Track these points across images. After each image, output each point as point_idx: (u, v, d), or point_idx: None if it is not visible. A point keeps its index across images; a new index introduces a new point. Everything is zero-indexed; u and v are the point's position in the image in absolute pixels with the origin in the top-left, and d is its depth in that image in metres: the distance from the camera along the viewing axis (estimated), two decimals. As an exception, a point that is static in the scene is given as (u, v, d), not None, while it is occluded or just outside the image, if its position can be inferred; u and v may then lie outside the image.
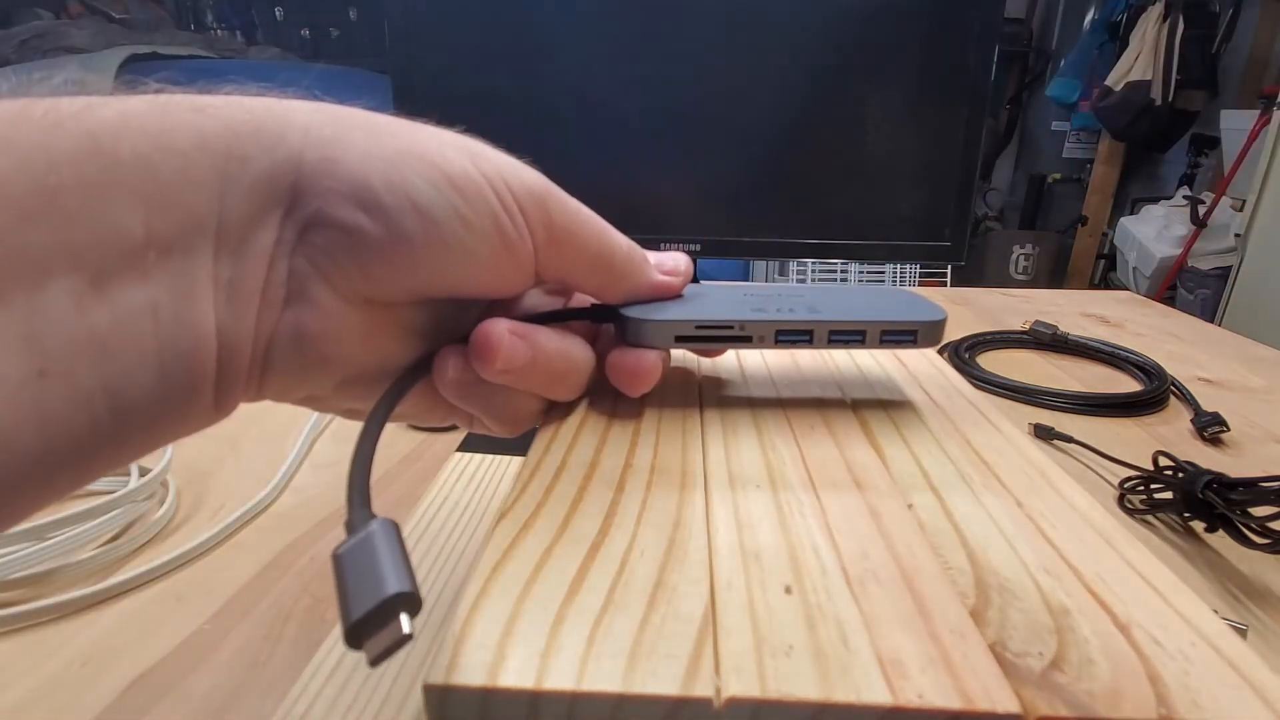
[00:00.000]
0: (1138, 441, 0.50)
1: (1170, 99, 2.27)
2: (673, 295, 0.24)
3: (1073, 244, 2.77)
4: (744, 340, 0.23)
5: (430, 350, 0.22)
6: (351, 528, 0.15)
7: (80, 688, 0.28)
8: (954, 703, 0.12)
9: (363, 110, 0.19)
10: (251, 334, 0.17)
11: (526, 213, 0.19)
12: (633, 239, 0.23)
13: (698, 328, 0.23)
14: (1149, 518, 0.41)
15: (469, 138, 0.20)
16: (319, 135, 0.17)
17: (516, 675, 0.12)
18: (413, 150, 0.18)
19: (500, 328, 0.20)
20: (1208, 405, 0.54)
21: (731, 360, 0.29)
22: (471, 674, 0.13)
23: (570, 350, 0.23)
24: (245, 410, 0.19)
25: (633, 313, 0.23)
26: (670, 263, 0.24)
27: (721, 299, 0.25)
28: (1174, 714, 0.12)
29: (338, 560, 0.14)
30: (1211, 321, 0.90)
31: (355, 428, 0.20)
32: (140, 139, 0.15)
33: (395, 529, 0.15)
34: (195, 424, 0.17)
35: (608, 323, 0.24)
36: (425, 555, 0.35)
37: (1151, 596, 0.15)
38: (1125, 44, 2.37)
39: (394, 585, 0.13)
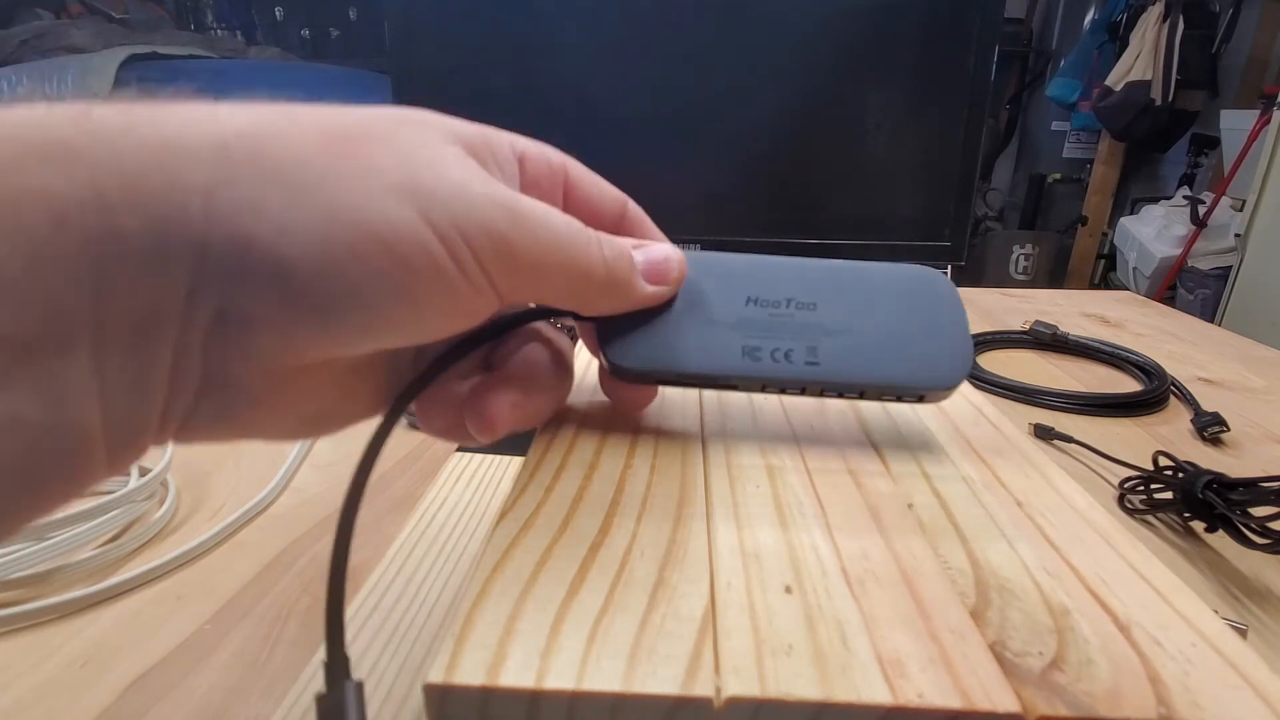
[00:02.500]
0: (1138, 441, 0.50)
1: (1170, 99, 2.27)
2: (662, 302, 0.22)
3: (1073, 244, 2.77)
4: (730, 388, 0.22)
5: (387, 385, 0.20)
6: (328, 681, 0.16)
7: (80, 688, 0.28)
8: (954, 702, 0.12)
9: (288, 127, 0.15)
10: (157, 421, 0.15)
11: (484, 262, 0.16)
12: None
13: (679, 376, 0.21)
14: (1149, 518, 0.41)
15: (429, 137, 0.17)
16: (226, 202, 0.14)
17: (516, 675, 0.12)
18: (344, 211, 0.15)
19: (503, 405, 0.20)
20: (1208, 405, 0.54)
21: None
22: (471, 673, 0.12)
23: (560, 385, 0.22)
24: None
25: (613, 352, 0.21)
26: (660, 268, 0.21)
27: (714, 324, 0.21)
28: (1174, 714, 0.12)
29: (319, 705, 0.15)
30: (1211, 321, 0.90)
31: (357, 426, 0.20)
32: None
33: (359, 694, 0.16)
34: (77, 490, 0.15)
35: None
36: (425, 555, 0.35)
37: (1152, 597, 0.15)
38: (1125, 44, 2.37)
39: None
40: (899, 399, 0.22)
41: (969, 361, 0.22)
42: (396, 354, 0.20)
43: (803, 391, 0.22)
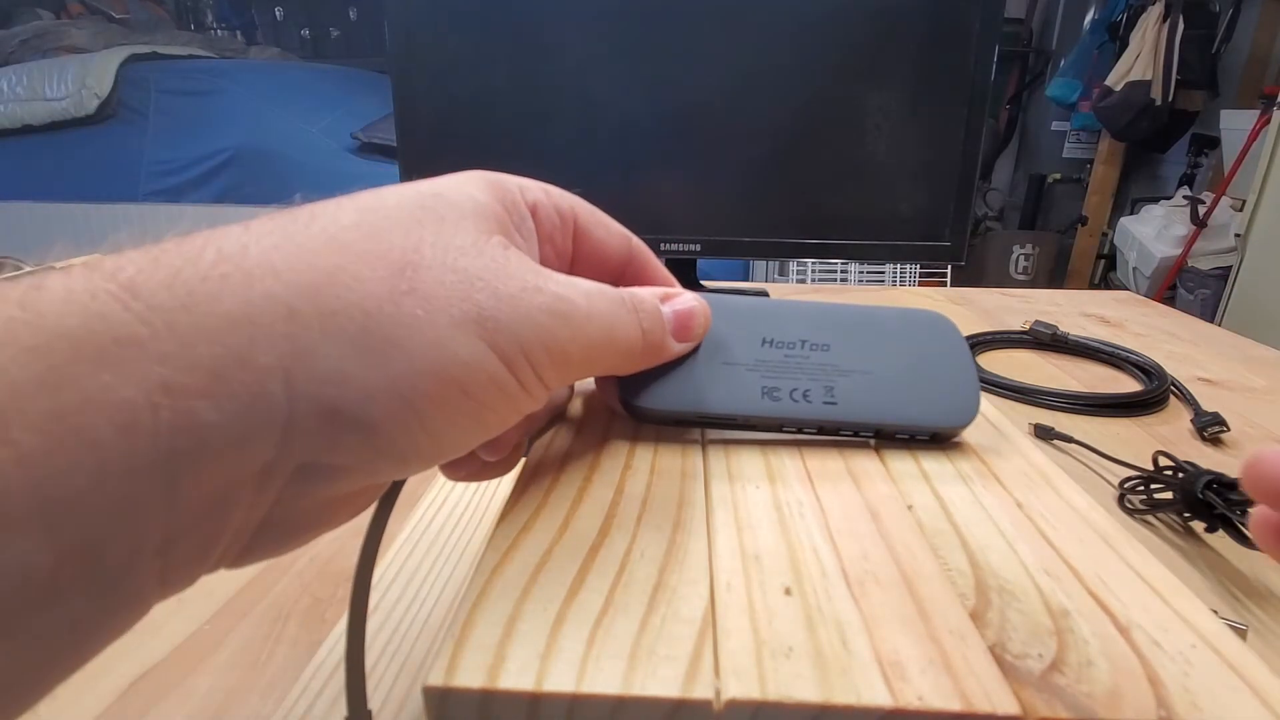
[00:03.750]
0: (1138, 441, 0.50)
1: (1170, 99, 2.27)
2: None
3: (1073, 244, 2.77)
4: (749, 429, 0.22)
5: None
6: None
7: (80, 688, 0.28)
8: (954, 704, 0.12)
9: (343, 268, 0.15)
10: (213, 564, 0.15)
11: (542, 371, 0.17)
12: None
13: (700, 418, 0.21)
14: (1149, 518, 0.41)
15: (466, 237, 0.17)
16: (306, 378, 0.13)
17: (516, 677, 0.12)
18: (420, 363, 0.15)
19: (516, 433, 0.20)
20: (1208, 405, 0.54)
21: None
22: (471, 675, 0.12)
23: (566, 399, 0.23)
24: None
25: (633, 397, 0.21)
26: (688, 324, 0.21)
27: (733, 366, 0.21)
28: (1174, 715, 0.12)
29: None
30: (1211, 321, 0.90)
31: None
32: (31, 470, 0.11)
33: None
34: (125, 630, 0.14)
35: None
36: (425, 555, 0.35)
37: (1151, 598, 0.15)
38: (1125, 44, 2.37)
39: None
40: (912, 438, 0.22)
41: (977, 401, 0.22)
42: None
43: (819, 431, 0.22)
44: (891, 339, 0.22)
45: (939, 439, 0.22)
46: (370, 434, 0.14)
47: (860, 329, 0.22)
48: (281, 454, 0.14)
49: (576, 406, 0.24)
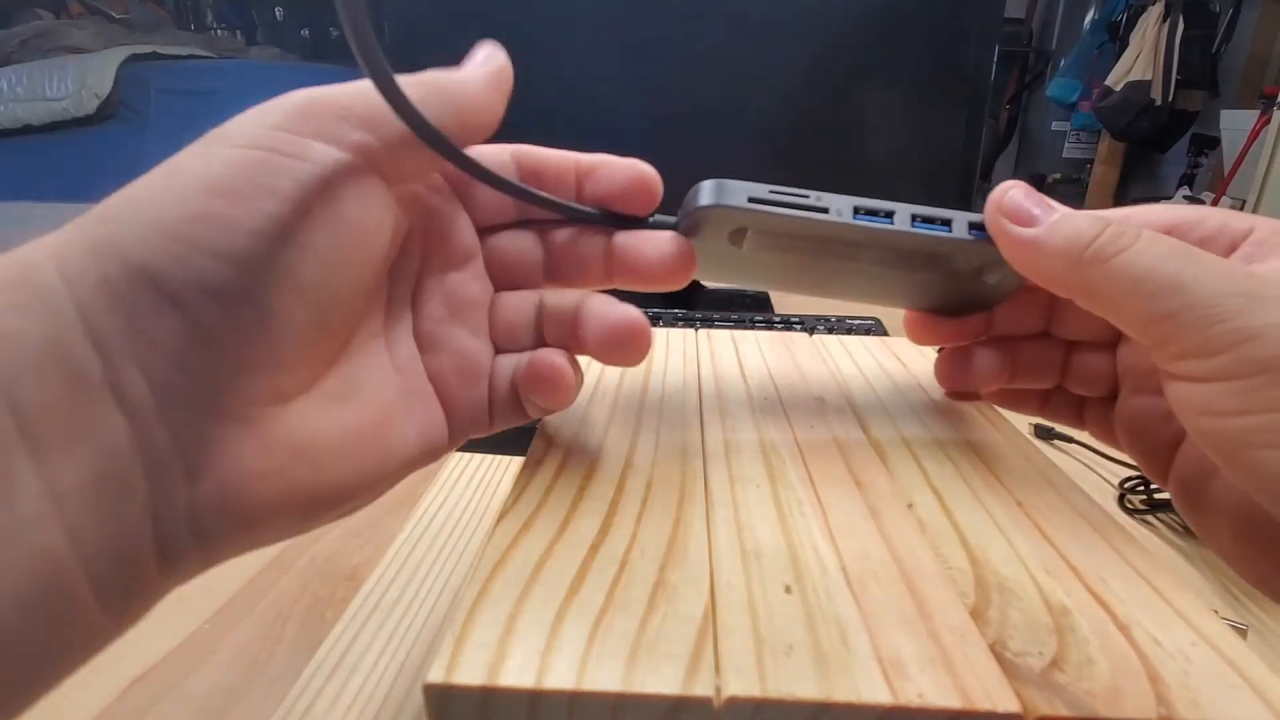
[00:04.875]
0: (1138, 441, 0.50)
1: (1170, 99, 2.27)
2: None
3: (1073, 244, 2.77)
4: (820, 211, 0.20)
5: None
6: None
7: (80, 688, 0.28)
8: (954, 702, 0.12)
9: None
10: (150, 530, 0.14)
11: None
12: None
13: (772, 191, 0.20)
14: (1149, 518, 0.41)
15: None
16: (75, 254, 0.13)
17: (516, 674, 0.12)
18: (191, 204, 0.14)
19: (561, 363, 0.19)
20: (1208, 405, 0.54)
21: (731, 361, 0.29)
22: (471, 673, 0.12)
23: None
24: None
25: (711, 193, 0.20)
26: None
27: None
28: (1174, 713, 0.12)
29: None
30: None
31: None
32: None
33: None
34: (81, 657, 0.13)
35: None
36: (425, 555, 0.35)
37: (1151, 596, 0.15)
38: (1125, 44, 2.37)
39: None
40: (984, 236, 0.21)
41: None
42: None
43: (891, 219, 0.20)
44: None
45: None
46: (151, 275, 0.13)
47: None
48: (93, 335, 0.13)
49: (577, 407, 0.24)
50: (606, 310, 0.19)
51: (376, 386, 0.18)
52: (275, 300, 0.15)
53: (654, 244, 0.20)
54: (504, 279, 0.21)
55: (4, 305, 0.13)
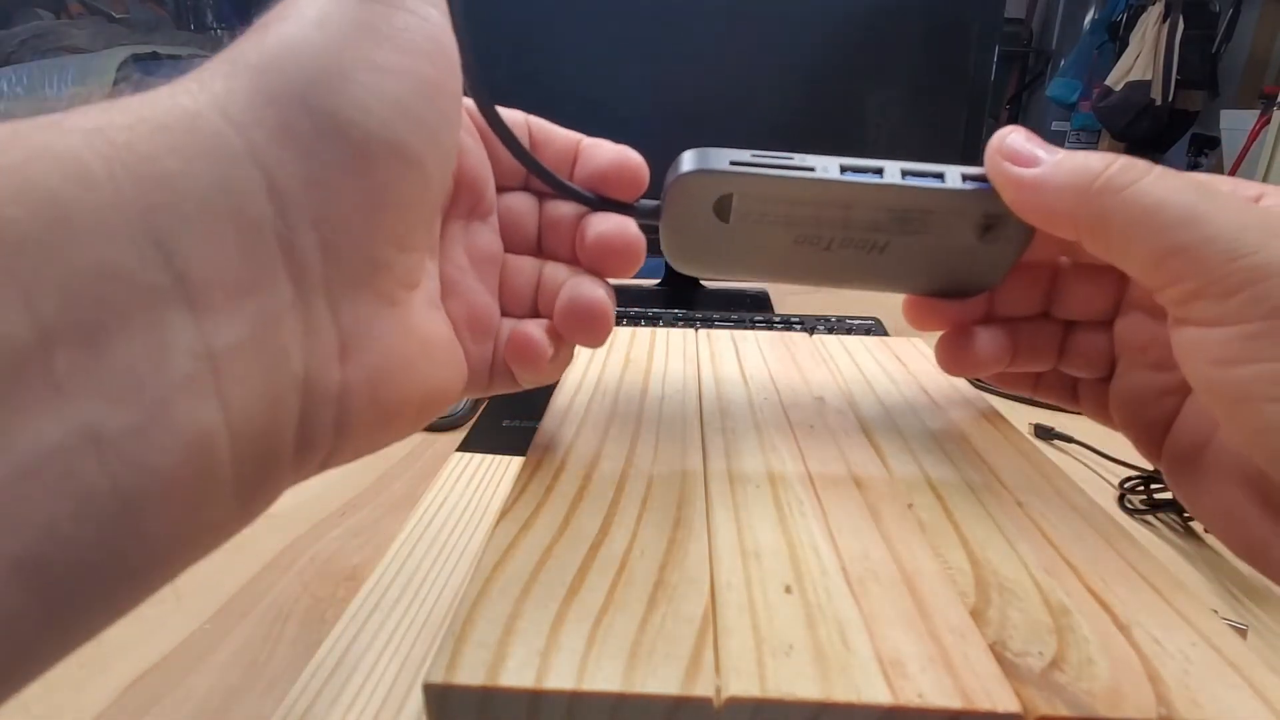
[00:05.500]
0: (1138, 441, 0.50)
1: (1170, 99, 2.27)
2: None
3: (1073, 244, 2.77)
4: (805, 170, 0.20)
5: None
6: None
7: (79, 688, 0.28)
8: (954, 702, 0.12)
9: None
10: (297, 408, 0.13)
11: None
12: None
13: (755, 155, 0.20)
14: (1149, 518, 0.41)
15: None
16: (243, 99, 0.13)
17: (517, 674, 0.12)
18: (363, 51, 0.14)
19: (538, 336, 0.19)
20: (1208, 405, 0.54)
21: (731, 361, 0.29)
22: (471, 673, 0.12)
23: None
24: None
25: (696, 158, 0.20)
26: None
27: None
28: (1174, 713, 0.12)
29: None
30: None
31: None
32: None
33: None
34: (209, 540, 0.13)
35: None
36: (425, 555, 0.35)
37: (1151, 596, 0.15)
38: (1125, 44, 2.37)
39: None
40: (979, 182, 0.20)
41: None
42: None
43: (880, 174, 0.20)
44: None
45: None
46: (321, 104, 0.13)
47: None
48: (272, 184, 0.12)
49: (577, 406, 0.24)
50: (579, 288, 0.20)
51: (441, 312, 0.19)
52: (431, 164, 0.15)
53: (601, 223, 0.20)
54: (507, 241, 0.22)
55: (163, 146, 0.11)
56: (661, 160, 0.22)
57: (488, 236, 0.21)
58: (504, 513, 0.18)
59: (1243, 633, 0.31)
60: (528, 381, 0.21)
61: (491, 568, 0.15)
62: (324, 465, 0.15)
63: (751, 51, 0.60)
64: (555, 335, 0.20)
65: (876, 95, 0.61)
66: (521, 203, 0.22)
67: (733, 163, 0.20)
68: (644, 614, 0.14)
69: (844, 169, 0.20)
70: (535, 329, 0.20)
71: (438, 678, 0.12)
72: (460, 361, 0.19)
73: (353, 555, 0.36)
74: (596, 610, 0.14)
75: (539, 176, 0.21)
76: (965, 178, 0.20)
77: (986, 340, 0.24)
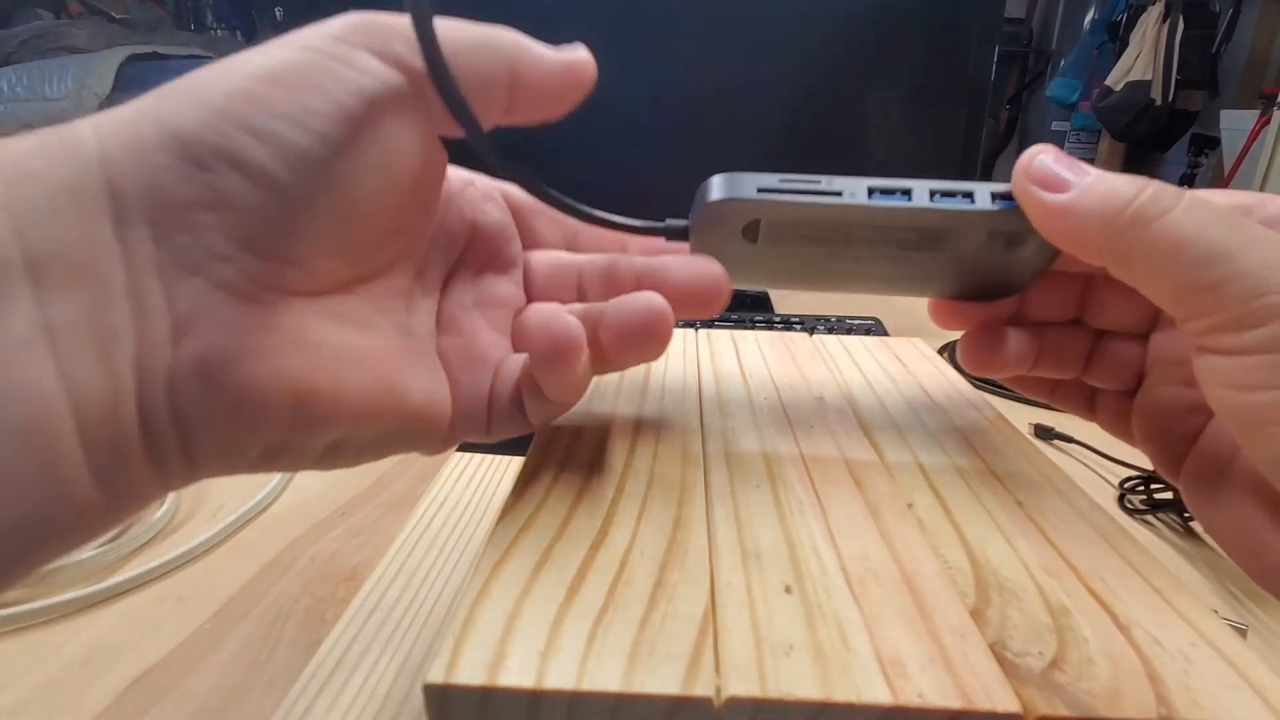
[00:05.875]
0: (1138, 441, 0.50)
1: (1170, 99, 2.27)
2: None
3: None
4: (833, 195, 0.20)
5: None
6: None
7: (80, 688, 0.28)
8: (954, 702, 0.12)
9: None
10: (133, 389, 0.14)
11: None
12: None
13: (782, 180, 0.20)
14: (1149, 518, 0.41)
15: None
16: (116, 119, 0.14)
17: (516, 675, 0.12)
18: (238, 84, 0.15)
19: (568, 321, 0.18)
20: (1208, 405, 0.54)
21: (731, 361, 0.29)
22: (471, 673, 0.12)
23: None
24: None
25: (718, 187, 0.20)
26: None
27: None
28: (1174, 713, 0.12)
29: None
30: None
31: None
32: None
33: None
34: (74, 532, 0.14)
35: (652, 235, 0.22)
36: (425, 555, 0.35)
37: (1151, 596, 0.15)
38: (1125, 44, 2.37)
39: None
40: (1008, 202, 0.20)
41: None
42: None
43: (909, 197, 0.20)
44: None
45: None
46: (193, 147, 0.14)
47: None
48: (114, 189, 0.14)
49: (577, 407, 0.24)
50: (628, 300, 0.19)
51: (386, 333, 0.18)
52: (297, 188, 0.15)
53: (682, 268, 0.20)
54: (541, 294, 0.23)
55: (33, 150, 0.14)
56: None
57: (504, 285, 0.22)
58: (504, 513, 0.18)
59: (1243, 633, 0.31)
60: (552, 390, 0.19)
61: (492, 567, 0.15)
62: (189, 464, 0.15)
63: (752, 52, 0.60)
64: (597, 345, 0.19)
65: (877, 95, 0.61)
66: (561, 261, 0.23)
67: (760, 189, 0.20)
68: (644, 614, 0.14)
69: (872, 191, 0.20)
70: (569, 315, 0.18)
71: (437, 678, 0.12)
72: (397, 382, 0.18)
73: (353, 555, 0.36)
74: (596, 610, 0.14)
75: (563, 209, 0.21)
76: (995, 196, 0.20)
77: (1012, 342, 0.23)
